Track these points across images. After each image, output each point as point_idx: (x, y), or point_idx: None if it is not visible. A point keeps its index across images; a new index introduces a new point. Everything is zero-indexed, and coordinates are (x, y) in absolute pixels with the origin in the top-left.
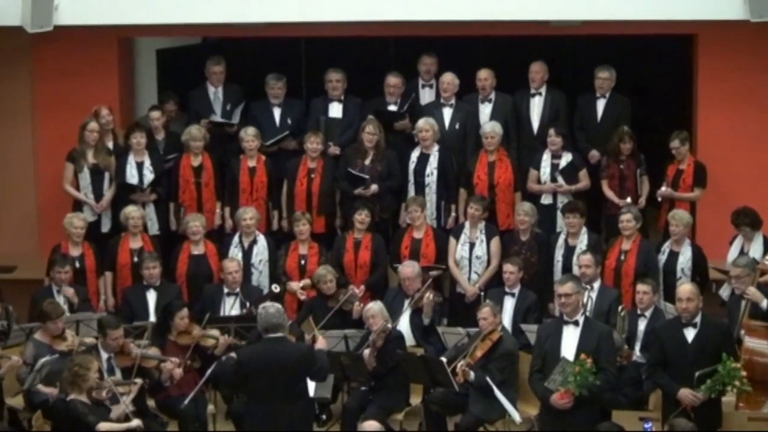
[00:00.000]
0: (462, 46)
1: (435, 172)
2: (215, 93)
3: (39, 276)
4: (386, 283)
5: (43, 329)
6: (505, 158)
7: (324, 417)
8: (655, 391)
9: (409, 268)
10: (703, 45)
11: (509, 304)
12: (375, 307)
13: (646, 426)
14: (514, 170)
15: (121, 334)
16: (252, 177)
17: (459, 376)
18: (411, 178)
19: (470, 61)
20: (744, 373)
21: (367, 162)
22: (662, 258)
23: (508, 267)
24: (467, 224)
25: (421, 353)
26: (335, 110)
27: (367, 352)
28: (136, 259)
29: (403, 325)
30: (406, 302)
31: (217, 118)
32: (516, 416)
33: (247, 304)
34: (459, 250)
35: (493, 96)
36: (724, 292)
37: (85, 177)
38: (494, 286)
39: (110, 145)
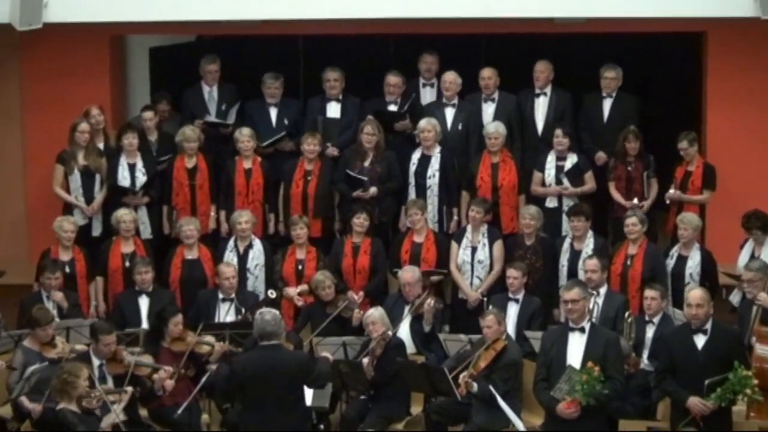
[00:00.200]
0: (464, 44)
1: (437, 174)
2: (210, 92)
3: (28, 281)
4: (386, 288)
5: (32, 336)
6: (509, 159)
7: (322, 427)
8: (663, 400)
9: (409, 273)
10: (712, 43)
11: (513, 310)
12: (376, 313)
13: None
14: (518, 172)
15: (113, 339)
16: (248, 179)
17: (462, 388)
18: (412, 180)
19: (472, 59)
20: (755, 382)
21: (367, 163)
22: (670, 262)
23: (512, 272)
24: (469, 228)
25: (422, 361)
26: (333, 110)
27: (366, 360)
28: (128, 263)
29: (404, 332)
30: (407, 308)
31: (212, 118)
32: (520, 426)
33: (243, 310)
34: (461, 254)
35: (496, 95)
36: (735, 298)
37: (76, 179)
38: (497, 291)
39: (101, 146)
